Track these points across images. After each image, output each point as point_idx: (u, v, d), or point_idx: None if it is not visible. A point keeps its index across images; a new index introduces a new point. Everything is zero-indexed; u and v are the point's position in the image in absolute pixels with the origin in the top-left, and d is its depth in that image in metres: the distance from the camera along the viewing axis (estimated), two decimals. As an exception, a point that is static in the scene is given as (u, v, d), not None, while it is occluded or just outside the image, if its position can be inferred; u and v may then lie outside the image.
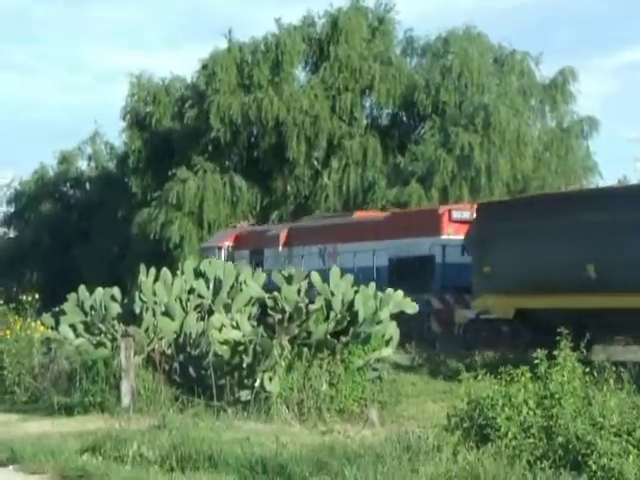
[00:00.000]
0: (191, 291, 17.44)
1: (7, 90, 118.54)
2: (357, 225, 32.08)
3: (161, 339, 16.68)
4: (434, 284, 27.84)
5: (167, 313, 16.98)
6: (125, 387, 15.43)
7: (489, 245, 23.72)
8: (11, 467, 11.94)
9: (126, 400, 15.32)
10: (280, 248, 33.57)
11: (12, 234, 63.17)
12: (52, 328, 17.59)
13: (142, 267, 17.59)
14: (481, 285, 23.95)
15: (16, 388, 17.55)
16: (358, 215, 33.80)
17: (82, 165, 60.25)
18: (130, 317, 17.04)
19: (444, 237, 28.08)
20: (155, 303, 17.03)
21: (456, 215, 28.40)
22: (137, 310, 17.00)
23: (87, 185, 58.83)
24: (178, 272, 17.58)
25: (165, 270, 17.52)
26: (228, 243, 37.24)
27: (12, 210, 61.85)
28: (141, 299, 17.07)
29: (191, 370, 16.06)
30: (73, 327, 17.29)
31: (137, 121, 49.83)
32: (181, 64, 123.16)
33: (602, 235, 20.62)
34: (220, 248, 36.90)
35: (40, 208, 58.52)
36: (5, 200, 61.54)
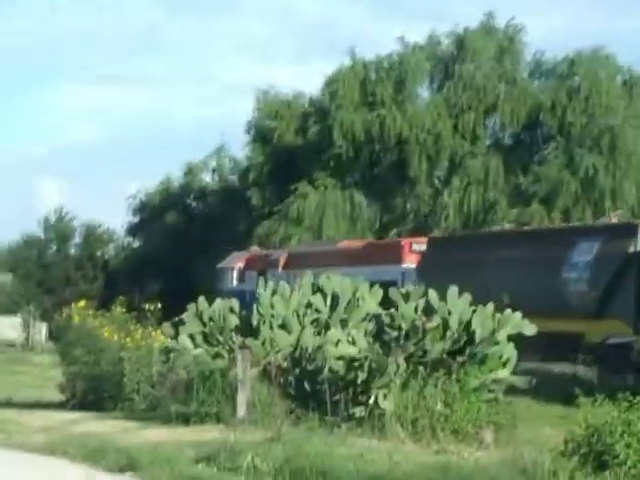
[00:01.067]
0: (308, 305, 17.49)
1: (138, 102, 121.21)
2: (341, 252, 36.23)
3: (277, 352, 16.76)
4: None
5: (284, 326, 17.05)
6: (241, 399, 15.53)
7: (433, 274, 26.20)
8: (128, 474, 12.13)
9: (241, 411, 15.42)
10: (280, 270, 36.88)
11: (136, 244, 64.40)
12: (171, 337, 17.84)
13: (261, 280, 17.73)
14: None
15: (135, 395, 17.83)
16: (343, 244, 38.17)
17: (206, 177, 61.15)
18: (248, 329, 17.18)
19: (405, 266, 31.92)
20: (272, 316, 17.12)
21: (415, 247, 32.38)
22: (254, 322, 17.13)
23: (210, 198, 59.63)
24: (296, 286, 17.65)
25: (283, 283, 17.62)
26: (240, 265, 40.97)
27: (137, 220, 62.99)
28: (259, 312, 17.19)
29: (306, 384, 16.09)
30: (192, 337, 17.49)
31: (261, 135, 50.39)
32: (307, 79, 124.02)
33: (514, 268, 25.16)
34: (233, 269, 41.14)
35: (164, 219, 59.48)
36: (131, 210, 62.73)
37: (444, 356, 15.34)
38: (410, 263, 31.66)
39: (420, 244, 32.23)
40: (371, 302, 17.09)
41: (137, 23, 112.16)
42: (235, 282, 40.57)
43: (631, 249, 23.27)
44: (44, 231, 67.42)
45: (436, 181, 45.28)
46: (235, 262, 41.68)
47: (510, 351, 15.91)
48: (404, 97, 45.56)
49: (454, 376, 15.12)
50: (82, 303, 20.17)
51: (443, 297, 15.55)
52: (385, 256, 33.21)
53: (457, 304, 15.89)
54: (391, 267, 32.13)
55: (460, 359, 15.39)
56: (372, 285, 27.90)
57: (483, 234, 33.16)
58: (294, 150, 48.69)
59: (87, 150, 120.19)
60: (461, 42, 46.17)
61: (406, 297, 16.11)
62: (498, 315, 15.87)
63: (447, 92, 45.35)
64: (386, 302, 16.64)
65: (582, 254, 24.42)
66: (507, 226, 33.89)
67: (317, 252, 37.34)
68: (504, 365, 15.82)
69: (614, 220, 27.59)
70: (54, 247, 64.76)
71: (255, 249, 43.54)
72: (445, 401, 14.77)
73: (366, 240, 38.86)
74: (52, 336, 37.44)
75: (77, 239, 65.57)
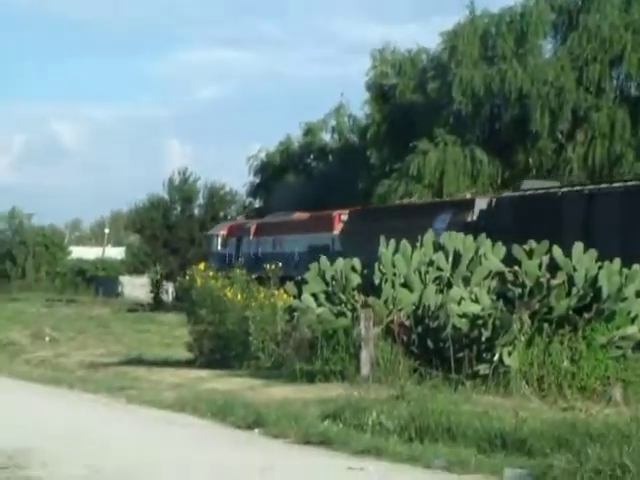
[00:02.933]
0: (430, 263, 17.43)
1: (257, 63, 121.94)
2: (292, 222, 43.33)
3: (400, 310, 16.76)
4: None
5: (406, 285, 17.04)
6: (364, 357, 15.60)
7: (350, 240, 33.58)
8: (256, 430, 12.33)
9: (365, 370, 15.50)
10: (251, 237, 45.64)
11: (257, 204, 65.04)
12: (295, 297, 18.01)
13: (382, 239, 17.73)
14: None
15: (260, 354, 18.08)
16: (294, 215, 44.65)
17: (326, 137, 61.27)
18: (370, 288, 17.23)
19: (335, 233, 38.54)
20: (394, 275, 17.12)
21: (343, 217, 38.90)
22: (376, 281, 17.16)
23: (330, 157, 59.76)
24: (417, 244, 17.61)
25: (404, 242, 17.59)
26: (223, 232, 48.63)
27: (258, 181, 63.55)
28: (380, 270, 17.20)
29: (429, 342, 16.08)
30: (315, 296, 17.62)
31: (380, 93, 50.19)
32: (427, 36, 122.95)
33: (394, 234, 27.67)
34: (217, 236, 48.84)
35: (284, 179, 59.89)
36: (252, 171, 63.29)
37: (570, 313, 15.14)
38: (339, 231, 38.46)
39: (347, 215, 38.93)
40: (494, 259, 16.94)
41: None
42: (219, 247, 48.04)
43: (469, 219, 30.30)
44: (168, 192, 68.57)
45: (559, 135, 44.48)
46: (219, 230, 49.44)
47: (639, 307, 15.62)
48: (525, 51, 44.78)
49: (580, 333, 14.93)
50: (202, 265, 20.45)
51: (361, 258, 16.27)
52: (321, 225, 40.05)
53: (583, 260, 15.65)
54: (325, 234, 38.93)
55: (587, 316, 15.17)
56: (311, 249, 36.06)
57: (380, 207, 41.32)
58: (413, 107, 48.39)
59: (209, 112, 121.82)
60: (587, -9, 45.08)
61: (530, 254, 15.93)
62: (626, 271, 15.58)
63: (571, 44, 44.35)
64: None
65: (440, 223, 30.04)
66: (405, 201, 40.02)
67: (276, 222, 45.20)
68: (632, 321, 15.53)
69: (467, 196, 33.41)
70: (178, 208, 65.85)
71: (238, 218, 52.16)
72: (571, 358, 14.60)
73: (310, 212, 44.01)
74: (177, 296, 39.02)
75: (200, 200, 66.52)
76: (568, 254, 15.65)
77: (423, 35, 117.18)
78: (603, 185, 29.20)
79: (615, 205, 25.88)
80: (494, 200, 30.86)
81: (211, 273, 19.89)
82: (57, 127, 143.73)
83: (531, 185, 31.77)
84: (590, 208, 26.65)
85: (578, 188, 28.84)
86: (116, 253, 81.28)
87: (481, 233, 24.19)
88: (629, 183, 28.20)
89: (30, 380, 18.42)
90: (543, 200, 28.79)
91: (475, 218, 30.64)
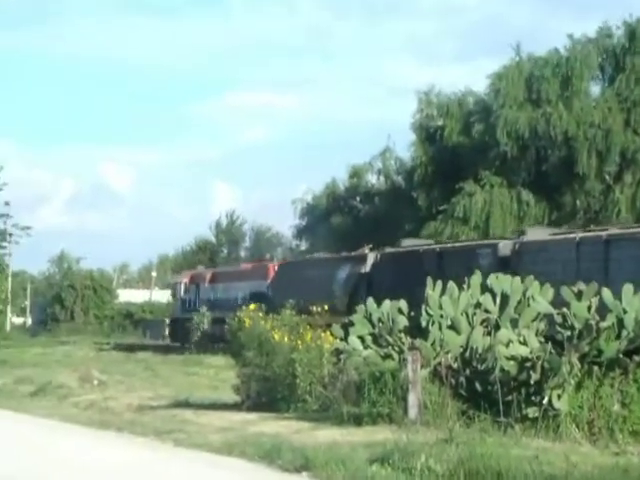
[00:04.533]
0: (477, 305, 17.36)
1: (305, 106, 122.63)
2: (238, 271, 51.44)
3: (447, 353, 16.69)
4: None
5: (453, 327, 16.98)
6: (412, 399, 15.54)
7: (277, 288, 40.81)
8: (304, 474, 12.30)
9: (413, 412, 15.43)
10: (207, 284, 52.07)
11: (303, 246, 65.21)
12: (341, 339, 18.00)
13: (429, 280, 17.70)
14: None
15: (307, 396, 18.03)
16: (242, 266, 54.22)
17: (372, 179, 61.41)
18: (417, 330, 17.18)
19: (269, 281, 44.45)
20: (441, 317, 17.08)
21: (276, 268, 45.32)
22: (423, 323, 17.11)
23: (376, 199, 59.84)
24: (464, 286, 17.55)
25: (452, 284, 17.55)
26: (186, 280, 55.47)
27: (304, 223, 63.76)
28: (427, 312, 17.16)
29: (477, 385, 15.98)
30: (361, 338, 17.61)
31: (426, 135, 50.30)
32: (471, 78, 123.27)
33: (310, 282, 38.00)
34: (181, 283, 55.93)
35: (330, 221, 60.01)
36: (298, 213, 63.53)
37: (620, 356, 14.99)
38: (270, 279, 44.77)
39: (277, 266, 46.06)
40: (542, 301, 16.84)
41: (304, 27, 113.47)
42: (182, 293, 54.69)
43: (362, 271, 36.28)
44: (215, 235, 69.00)
45: (606, 177, 44.24)
46: (183, 278, 56.83)
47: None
48: (571, 93, 44.69)
49: (631, 376, 14.76)
50: (252, 306, 20.51)
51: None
52: (259, 274, 46.75)
53: (633, 302, 15.51)
54: (262, 282, 44.99)
55: (637, 359, 15.01)
56: (252, 295, 42.71)
57: (298, 261, 48.59)
58: (459, 149, 48.42)
59: (257, 154, 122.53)
60: (633, 33, 44.93)
61: (579, 296, 15.82)
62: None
63: (618, 85, 44.23)
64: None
65: (342, 273, 37.63)
66: (317, 255, 45.61)
67: (227, 271, 53.95)
68: (684, 365, 15.34)
69: (366, 251, 38.44)
70: (225, 251, 66.15)
71: (199, 267, 59.09)
72: (622, 401, 14.44)
73: (252, 263, 53.23)
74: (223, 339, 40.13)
75: (247, 242, 66.83)
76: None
77: (469, 77, 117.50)
78: (452, 244, 35.47)
79: (455, 260, 31.09)
80: (379, 255, 36.33)
81: (260, 314, 19.91)
82: (106, 171, 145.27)
83: (409, 243, 36.74)
84: (441, 262, 32.10)
85: (433, 247, 34.47)
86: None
87: (371, 282, 34.54)
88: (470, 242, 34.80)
89: (78, 423, 18.51)
90: (409, 256, 34.22)
91: (367, 270, 36.30)
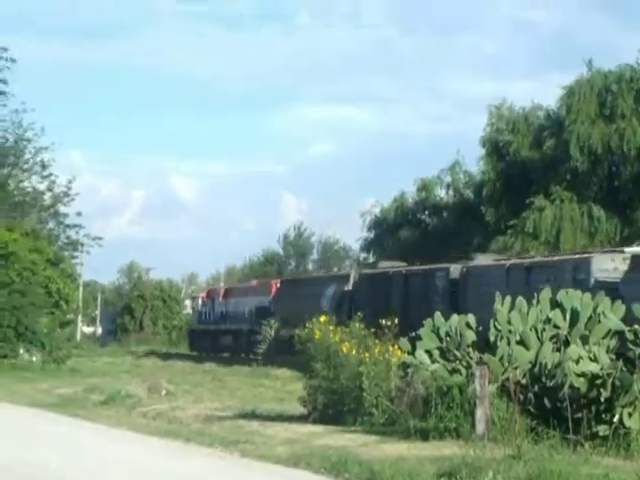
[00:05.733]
0: (547, 321, 17.21)
1: (372, 120, 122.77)
2: (247, 287, 55.77)
3: (515, 368, 16.56)
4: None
5: (522, 342, 16.85)
6: (480, 414, 15.43)
7: (278, 303, 46.92)
8: (370, 487, 12.28)
9: (480, 428, 15.32)
10: (220, 299, 56.50)
11: (371, 259, 65.11)
12: (409, 353, 17.94)
13: (497, 295, 17.60)
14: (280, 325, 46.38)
15: (374, 410, 17.98)
16: (250, 282, 58.80)
17: (440, 193, 61.19)
18: (484, 345, 17.07)
19: (272, 296, 48.70)
20: (510, 332, 16.95)
21: (279, 284, 49.43)
22: (492, 338, 17.00)
23: (444, 213, 59.61)
24: (534, 301, 17.42)
25: (520, 299, 17.42)
26: (203, 295, 60.86)
27: (372, 236, 63.69)
28: (496, 327, 17.06)
29: (546, 401, 15.83)
30: (429, 352, 17.54)
31: (495, 149, 50.03)
32: (540, 93, 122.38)
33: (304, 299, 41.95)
34: (199, 297, 61.19)
35: (398, 234, 59.88)
36: (366, 226, 63.48)
37: (692, 374, 14.76)
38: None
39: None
40: (613, 318, 16.64)
41: (370, 42, 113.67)
42: (200, 306, 59.55)
43: (346, 289, 40.80)
44: (283, 247, 69.16)
45: (679, 193, 43.66)
46: (201, 293, 62.68)
47: None
48: (645, 108, 44.22)
49: (703, 395, 14.51)
50: (323, 318, 20.52)
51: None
52: (263, 290, 50.56)
53: None
54: (266, 297, 49.10)
55: None
56: (257, 309, 49.77)
57: (295, 278, 55.69)
58: (529, 164, 48.08)
59: (325, 168, 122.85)
60: None
61: (650, 313, 15.60)
62: None
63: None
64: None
65: (330, 291, 41.89)
66: (309, 274, 54.99)
67: (238, 287, 58.60)
68: None
69: (351, 271, 44.03)
70: (293, 263, 66.34)
71: (219, 284, 65.76)
72: (695, 421, 14.20)
73: (258, 280, 58.97)
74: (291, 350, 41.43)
75: (315, 255, 66.92)
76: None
77: (538, 92, 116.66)
78: (416, 267, 38.58)
79: (417, 281, 36.15)
80: (358, 275, 41.23)
81: (331, 327, 19.91)
82: (175, 182, 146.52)
83: (386, 264, 40.91)
84: (407, 282, 36.53)
85: (400, 269, 38.49)
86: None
87: (352, 299, 38.91)
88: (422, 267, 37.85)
89: (147, 433, 18.65)
90: (381, 276, 38.45)
91: (350, 288, 40.54)
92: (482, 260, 35.17)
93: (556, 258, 32.10)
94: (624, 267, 28.12)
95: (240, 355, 49.11)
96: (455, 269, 34.19)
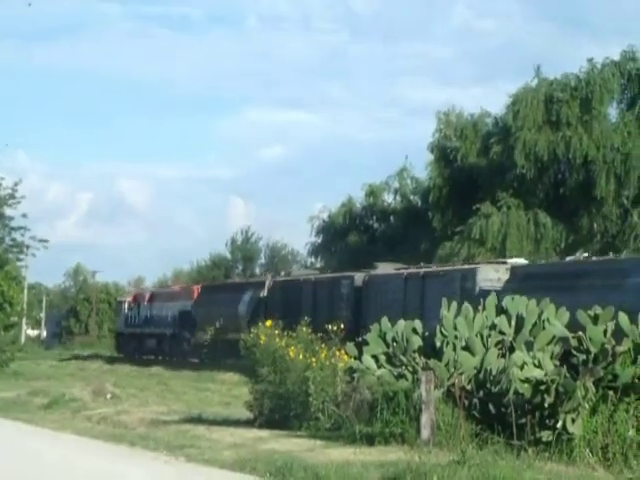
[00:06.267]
0: (492, 327, 17.32)
1: (321, 125, 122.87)
2: (172, 292, 57.24)
3: (461, 374, 16.64)
4: (192, 328, 50.08)
5: (468, 348, 16.94)
6: (425, 420, 15.49)
7: (199, 307, 49.39)
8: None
9: (426, 433, 15.38)
10: (146, 303, 57.79)
11: (318, 264, 65.17)
12: (355, 358, 17.97)
13: (444, 301, 17.68)
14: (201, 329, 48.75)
15: (320, 415, 17.99)
16: (175, 287, 61.08)
17: (388, 199, 61.41)
18: (430, 351, 17.14)
19: (194, 301, 50.80)
20: (456, 338, 17.04)
21: (200, 290, 51.53)
22: (438, 344, 17.08)
23: (392, 218, 59.84)
24: (479, 307, 17.52)
25: (467, 305, 17.51)
26: (129, 299, 61.43)
27: (319, 241, 63.75)
28: (442, 333, 17.13)
29: (491, 407, 15.91)
30: (375, 357, 17.57)
31: (443, 156, 50.30)
32: (490, 99, 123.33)
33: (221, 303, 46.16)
34: (125, 301, 61.62)
35: (346, 239, 60.01)
36: (314, 231, 63.52)
37: (636, 381, 14.91)
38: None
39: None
40: (558, 324, 16.79)
41: (320, 47, 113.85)
42: (126, 310, 60.17)
43: (262, 295, 43.29)
44: (231, 251, 68.90)
45: (625, 201, 44.11)
46: (127, 297, 63.22)
47: None
48: (591, 117, 44.63)
49: (646, 402, 14.67)
50: (269, 322, 20.50)
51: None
52: (186, 295, 52.23)
53: (649, 327, 15.43)
54: (188, 302, 50.83)
55: (652, 384, 14.92)
56: (180, 313, 51.96)
57: (214, 284, 58.24)
58: (476, 170, 48.37)
59: (273, 172, 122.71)
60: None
61: (595, 319, 15.76)
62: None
63: (639, 110, 44.15)
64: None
65: (246, 296, 44.18)
66: (228, 280, 55.22)
67: (162, 292, 59.95)
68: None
69: (268, 277, 46.24)
70: (240, 267, 66.17)
71: (142, 288, 67.23)
72: (637, 427, 14.35)
73: (182, 284, 62.09)
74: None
75: (262, 259, 66.79)
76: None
77: (487, 99, 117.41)
78: (324, 275, 42.75)
79: (324, 288, 38.69)
80: (272, 282, 43.32)
81: (276, 331, 19.89)
82: (122, 186, 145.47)
83: (298, 273, 44.53)
84: (315, 289, 38.94)
85: (310, 277, 41.53)
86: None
87: (267, 305, 41.17)
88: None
89: (91, 437, 18.52)
90: (293, 283, 41.27)
91: (265, 294, 42.81)
92: (383, 269, 37.54)
93: (447, 268, 34.65)
94: (506, 277, 30.46)
95: (164, 358, 52.35)
96: (359, 277, 36.76)
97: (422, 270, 34.58)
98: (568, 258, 33.24)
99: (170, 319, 53.00)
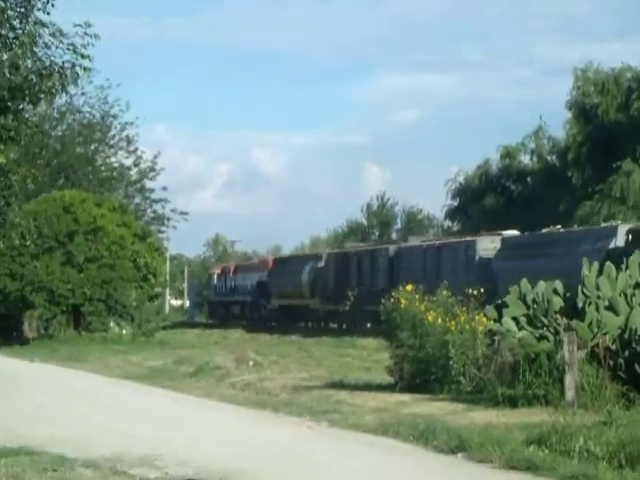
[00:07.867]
0: (637, 286, 16.98)
1: (455, 87, 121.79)
2: (252, 265, 63.80)
3: (605, 334, 16.39)
4: (268, 295, 56.23)
5: (611, 308, 16.66)
6: (569, 381, 15.31)
7: (272, 277, 54.98)
8: (459, 455, 12.26)
9: (570, 394, 15.20)
10: (231, 275, 64.40)
11: (455, 227, 64.79)
12: (495, 320, 17.84)
13: (585, 261, 17.40)
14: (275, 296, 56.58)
15: (461, 378, 17.94)
16: (255, 260, 68.56)
17: (524, 159, 60.54)
18: (572, 311, 16.91)
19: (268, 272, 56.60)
20: (598, 297, 16.77)
21: (273, 262, 57.25)
22: (580, 304, 16.83)
23: (529, 179, 58.98)
24: (622, 266, 17.18)
25: (609, 264, 17.20)
26: (218, 271, 68.50)
27: (456, 204, 63.32)
28: (584, 293, 16.88)
29: (637, 367, 15.63)
30: (516, 320, 17.43)
31: (582, 113, 49.25)
32: (630, 55, 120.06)
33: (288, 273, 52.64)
34: (214, 274, 68.97)
35: (483, 202, 59.44)
36: (450, 194, 63.12)
37: None
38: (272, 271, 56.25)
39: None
40: None
41: (452, 8, 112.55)
42: (215, 281, 67.73)
43: (319, 265, 48.52)
44: (367, 217, 69.01)
45: None
46: (215, 270, 70.57)
47: None
48: None
49: None
50: (409, 287, 20.45)
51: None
52: (263, 267, 58.15)
53: None
54: (265, 273, 56.80)
55: None
56: (258, 283, 59.11)
57: (286, 256, 64.38)
58: (616, 127, 47.24)
59: (408, 136, 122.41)
60: None
61: None
62: None
63: None
64: None
65: (308, 268, 49.00)
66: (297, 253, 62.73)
67: (245, 264, 66.59)
68: None
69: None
70: (376, 233, 66.21)
71: (232, 262, 71.85)
72: None
73: (259, 258, 68.78)
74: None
75: (398, 224, 66.67)
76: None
77: (626, 54, 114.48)
78: (365, 248, 47.78)
79: (366, 259, 43.68)
80: (327, 255, 49.06)
81: (417, 296, 19.84)
82: (259, 155, 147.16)
83: (349, 245, 50.80)
84: (361, 261, 43.72)
85: (358, 249, 47.23)
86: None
87: (323, 276, 47.26)
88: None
89: (236, 403, 18.85)
90: (344, 256, 46.46)
91: (322, 265, 47.99)
92: (413, 241, 43.92)
93: (455, 240, 40.48)
94: (499, 246, 35.52)
95: (246, 321, 57.78)
96: (392, 249, 41.93)
97: (437, 242, 40.98)
98: (544, 230, 36.66)
99: (250, 288, 59.53)
